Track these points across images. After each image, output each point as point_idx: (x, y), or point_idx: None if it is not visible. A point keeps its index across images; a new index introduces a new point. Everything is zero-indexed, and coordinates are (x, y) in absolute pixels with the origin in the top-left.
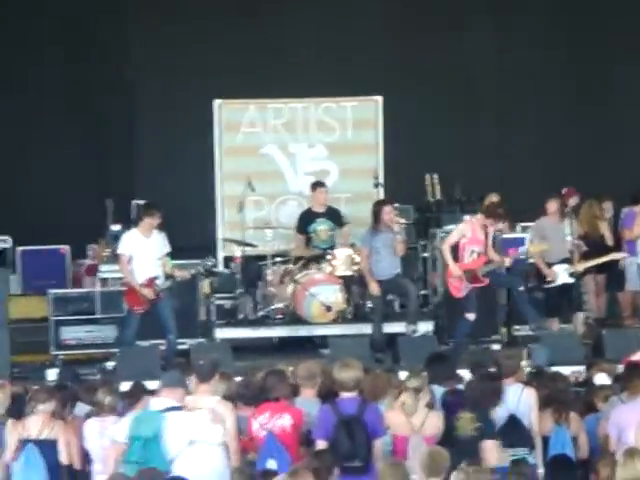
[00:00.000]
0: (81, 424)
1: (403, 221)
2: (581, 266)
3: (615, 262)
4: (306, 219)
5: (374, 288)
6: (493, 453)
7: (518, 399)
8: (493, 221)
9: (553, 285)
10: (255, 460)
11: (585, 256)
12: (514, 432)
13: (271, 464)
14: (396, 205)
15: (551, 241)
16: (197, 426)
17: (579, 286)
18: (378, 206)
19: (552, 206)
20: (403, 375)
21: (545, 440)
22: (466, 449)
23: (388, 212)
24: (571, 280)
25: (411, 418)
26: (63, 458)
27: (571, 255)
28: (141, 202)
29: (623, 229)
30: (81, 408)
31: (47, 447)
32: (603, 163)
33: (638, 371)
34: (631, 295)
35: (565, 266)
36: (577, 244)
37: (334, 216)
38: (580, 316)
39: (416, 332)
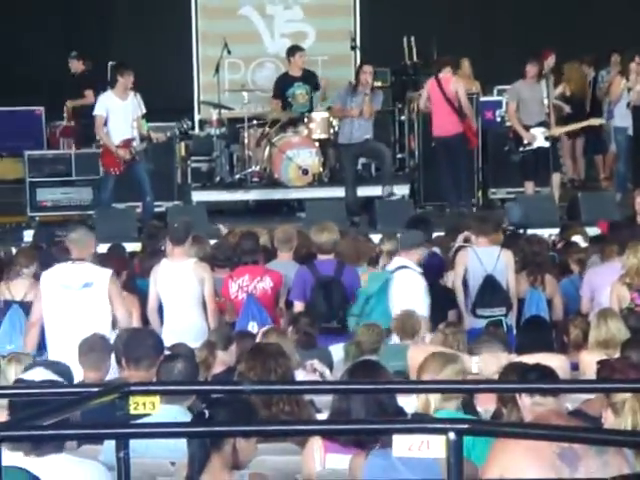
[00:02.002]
0: None
1: (377, 84)
2: (558, 130)
3: (593, 126)
4: (283, 83)
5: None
6: None
7: (495, 261)
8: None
9: (529, 148)
10: (231, 321)
11: (568, 118)
12: (491, 293)
13: (252, 326)
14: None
15: (528, 104)
16: None
17: (556, 149)
18: (360, 65)
19: (532, 69)
20: (377, 238)
21: (520, 302)
22: None
23: (366, 71)
24: (547, 144)
25: None
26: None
27: (548, 117)
28: (116, 63)
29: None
30: None
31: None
32: (582, 23)
33: (614, 233)
34: (612, 157)
35: (542, 129)
36: (559, 106)
37: (311, 79)
38: (557, 177)
39: (392, 195)
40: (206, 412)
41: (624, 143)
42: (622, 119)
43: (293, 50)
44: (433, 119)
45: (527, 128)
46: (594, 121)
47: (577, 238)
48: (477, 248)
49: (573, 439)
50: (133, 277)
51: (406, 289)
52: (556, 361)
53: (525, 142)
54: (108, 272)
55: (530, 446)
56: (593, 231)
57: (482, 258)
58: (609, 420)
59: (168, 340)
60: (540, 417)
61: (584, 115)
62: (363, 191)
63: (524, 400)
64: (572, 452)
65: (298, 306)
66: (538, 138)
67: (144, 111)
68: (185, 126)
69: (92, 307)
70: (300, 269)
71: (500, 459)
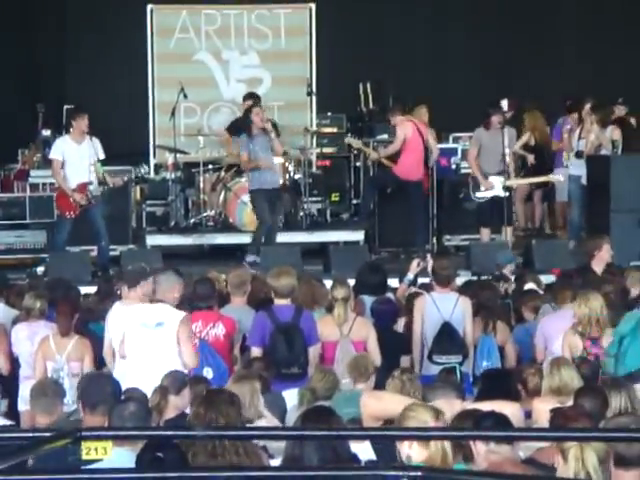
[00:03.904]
0: (7, 329)
1: (332, 130)
2: (515, 182)
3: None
4: (239, 127)
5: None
6: None
7: (453, 307)
8: None
9: (484, 196)
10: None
11: (532, 168)
12: (449, 340)
13: (206, 371)
14: (328, 114)
15: (489, 152)
16: None
17: (511, 202)
18: (247, 110)
19: (496, 119)
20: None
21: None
22: None
23: (257, 113)
24: (504, 194)
25: (341, 325)
26: (1, 364)
27: (507, 167)
28: (72, 107)
29: (553, 140)
30: (6, 313)
31: None
32: (534, 71)
33: (566, 281)
34: (561, 206)
35: (500, 179)
36: (523, 155)
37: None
38: (509, 230)
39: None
40: (161, 456)
41: (578, 191)
42: (576, 168)
43: (247, 97)
44: (402, 162)
45: (486, 176)
46: (553, 178)
47: (531, 285)
48: (434, 294)
49: None
50: (85, 320)
51: None
52: (510, 409)
53: (482, 189)
54: (181, 314)
55: None
56: (546, 279)
57: (439, 305)
58: (560, 467)
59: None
60: (495, 465)
61: (548, 164)
62: (318, 237)
63: (479, 447)
64: None
65: (255, 352)
66: (496, 187)
67: (102, 156)
68: (142, 171)
69: (163, 346)
70: (258, 315)
71: None
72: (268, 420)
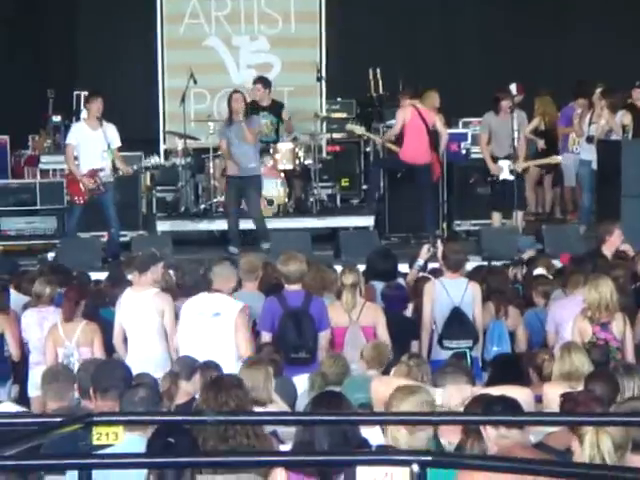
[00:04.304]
0: (18, 315)
1: (341, 115)
2: (522, 165)
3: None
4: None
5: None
6: None
7: (463, 293)
8: None
9: (494, 180)
10: None
11: (543, 153)
12: (459, 325)
13: None
14: (338, 99)
15: (499, 136)
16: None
17: (521, 182)
18: (229, 95)
19: (506, 104)
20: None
21: (483, 333)
22: None
23: (236, 99)
24: (511, 177)
25: (350, 311)
26: (12, 350)
27: (514, 151)
28: (82, 92)
29: (560, 125)
30: (16, 299)
31: None
32: (547, 56)
33: (577, 266)
34: (569, 191)
35: (507, 162)
36: (533, 140)
37: (278, 110)
38: (520, 215)
39: (234, 254)
40: (172, 441)
41: (588, 176)
42: (586, 152)
43: (253, 81)
44: (405, 146)
45: (495, 160)
46: (553, 159)
47: (542, 270)
48: (444, 279)
49: (536, 472)
50: (95, 305)
51: None
52: (520, 394)
53: (492, 174)
54: (239, 305)
55: (492, 478)
56: (556, 264)
57: (449, 290)
58: (577, 452)
59: (132, 370)
60: (505, 449)
61: (558, 150)
62: (328, 222)
63: (489, 432)
64: None
65: (266, 337)
66: (504, 170)
67: (118, 144)
68: (153, 161)
69: (220, 335)
70: (268, 300)
71: None
72: (278, 406)
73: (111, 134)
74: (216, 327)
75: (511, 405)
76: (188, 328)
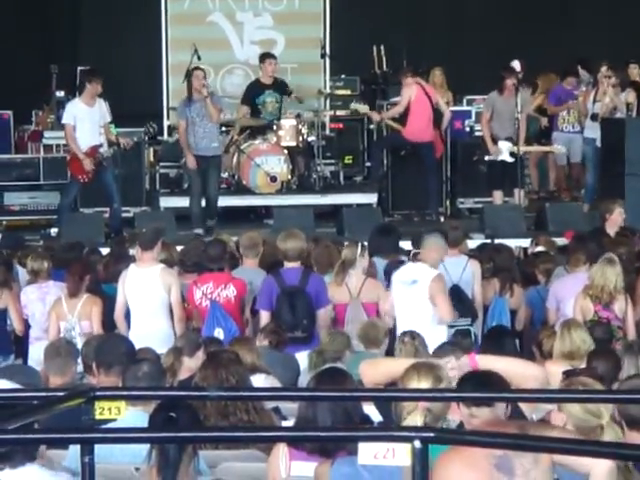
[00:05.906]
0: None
1: (345, 92)
2: (522, 149)
3: None
4: (253, 91)
5: (190, 162)
6: None
7: (462, 271)
8: None
9: (494, 159)
10: (198, 327)
11: (547, 131)
12: (457, 303)
13: (218, 332)
14: (342, 76)
15: (502, 116)
16: None
17: (523, 165)
18: (188, 72)
19: (510, 82)
20: None
21: (485, 309)
22: None
23: (197, 76)
24: (511, 159)
25: (350, 286)
26: (16, 325)
27: (517, 131)
28: (86, 68)
29: (550, 103)
30: (22, 273)
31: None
32: (550, 33)
33: (580, 244)
34: (560, 169)
35: (508, 144)
36: (537, 118)
37: (281, 87)
38: (521, 193)
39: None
40: (174, 416)
41: (592, 154)
42: (590, 130)
43: (263, 57)
44: (410, 124)
45: (496, 140)
46: (556, 149)
47: (544, 248)
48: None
49: (537, 448)
50: (97, 281)
51: None
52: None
53: (491, 153)
54: (433, 272)
55: (468, 461)
56: (560, 242)
57: (448, 268)
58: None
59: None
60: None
61: None
62: (331, 199)
63: (462, 410)
64: (507, 459)
65: (264, 315)
66: (503, 152)
67: (109, 119)
68: (151, 130)
69: (417, 302)
70: (266, 278)
71: (440, 475)
72: (269, 381)
73: (102, 109)
74: (414, 294)
75: (482, 381)
76: (393, 296)
